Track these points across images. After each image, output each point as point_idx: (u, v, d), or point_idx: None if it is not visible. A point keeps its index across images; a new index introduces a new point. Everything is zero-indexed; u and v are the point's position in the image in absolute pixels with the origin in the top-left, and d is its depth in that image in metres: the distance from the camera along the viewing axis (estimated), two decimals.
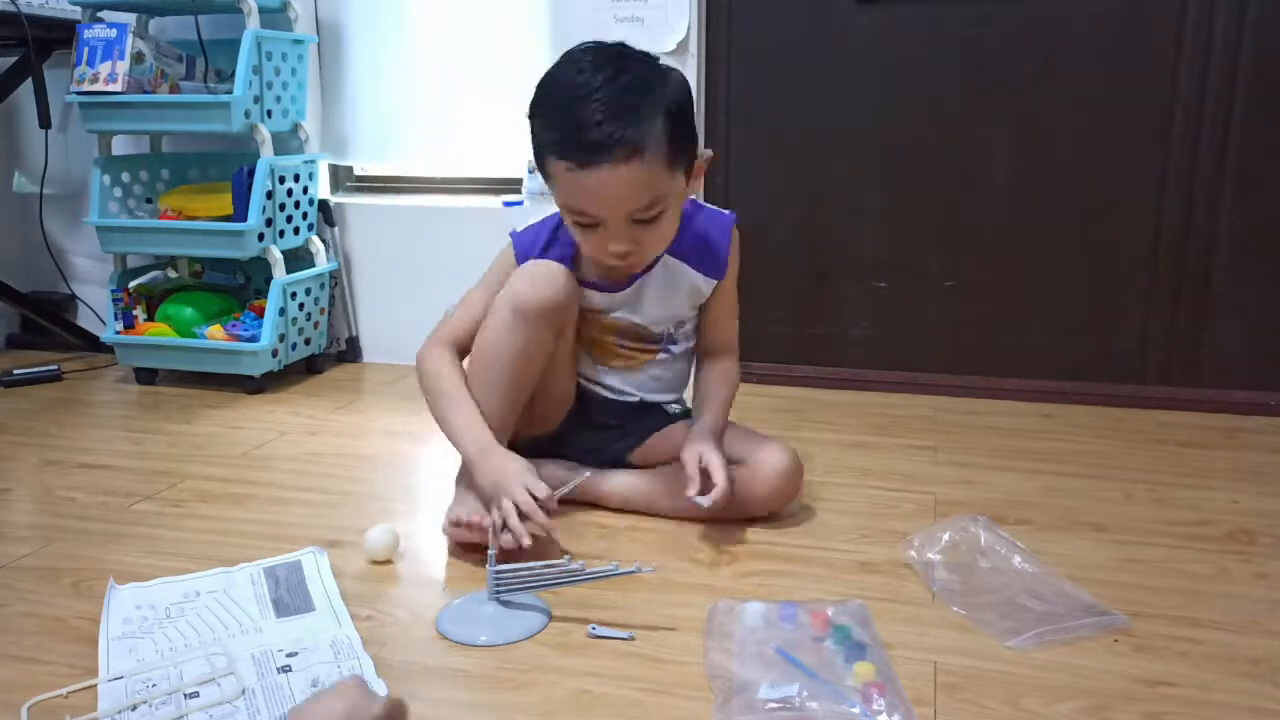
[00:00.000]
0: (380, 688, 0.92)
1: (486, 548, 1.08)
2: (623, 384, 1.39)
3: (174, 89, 2.02)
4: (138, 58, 1.94)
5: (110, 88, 1.92)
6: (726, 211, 1.37)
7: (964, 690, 0.93)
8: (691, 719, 0.90)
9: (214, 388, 2.03)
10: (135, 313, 2.10)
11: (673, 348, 1.38)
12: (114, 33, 1.93)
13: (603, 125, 1.10)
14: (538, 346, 1.27)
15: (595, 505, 1.36)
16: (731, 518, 1.31)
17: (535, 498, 1.14)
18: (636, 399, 1.40)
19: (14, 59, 2.15)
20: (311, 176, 2.14)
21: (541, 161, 1.19)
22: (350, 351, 2.27)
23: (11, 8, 1.97)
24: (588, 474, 1.24)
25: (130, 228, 2.04)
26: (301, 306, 2.08)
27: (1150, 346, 1.89)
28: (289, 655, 0.99)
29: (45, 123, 2.07)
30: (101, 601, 1.09)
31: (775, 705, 0.88)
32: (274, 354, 2.01)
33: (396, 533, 1.23)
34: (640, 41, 1.24)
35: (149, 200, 2.17)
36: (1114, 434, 1.72)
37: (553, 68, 1.19)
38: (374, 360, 2.27)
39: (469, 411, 1.26)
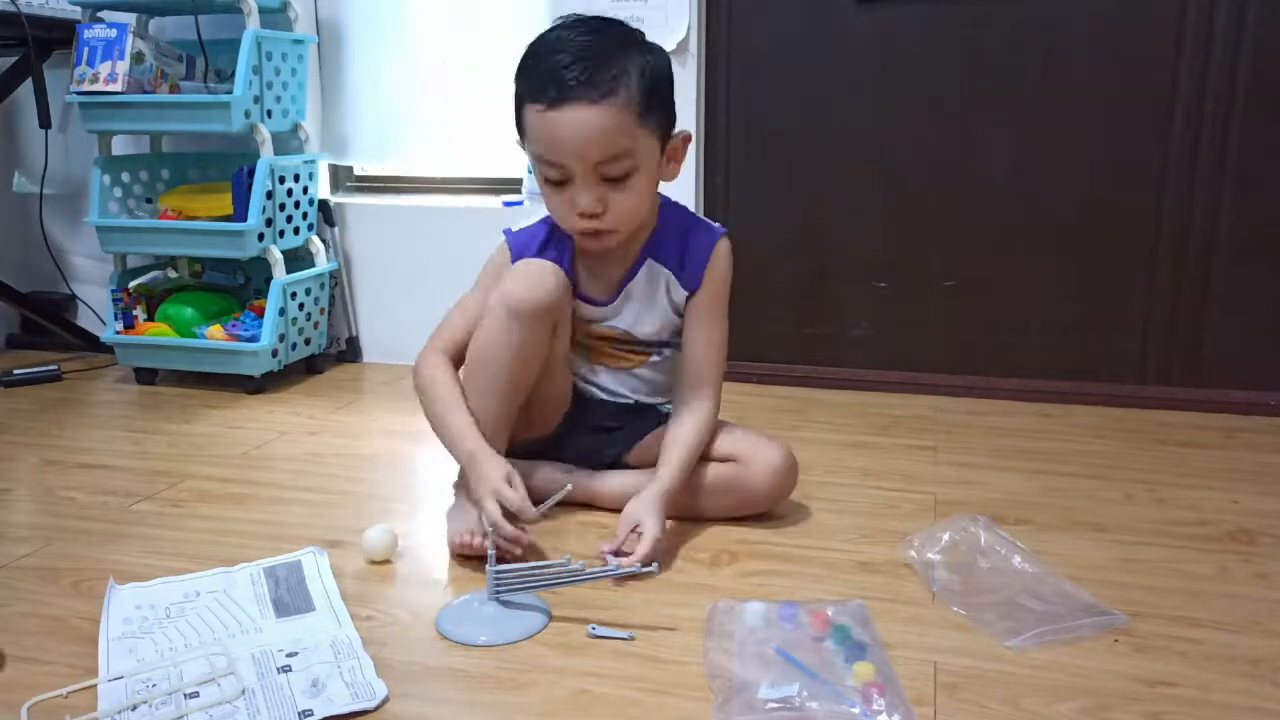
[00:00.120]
0: (380, 688, 0.92)
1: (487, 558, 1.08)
2: (617, 384, 1.39)
3: (174, 89, 2.02)
4: (138, 58, 1.94)
5: (110, 88, 1.92)
6: (718, 225, 1.35)
7: (964, 690, 0.93)
8: (691, 719, 0.90)
9: (214, 388, 2.03)
10: (135, 313, 2.10)
11: (665, 351, 1.38)
12: (114, 33, 1.93)
13: (574, 67, 1.13)
14: (533, 347, 1.26)
15: (594, 506, 1.36)
16: (728, 516, 1.32)
17: (508, 508, 1.13)
18: (631, 400, 1.39)
19: (14, 59, 2.15)
20: (311, 176, 2.14)
21: (520, 117, 1.20)
22: (350, 351, 2.27)
23: (11, 8, 1.97)
24: (570, 487, 1.19)
25: (130, 228, 2.04)
26: (301, 306, 2.08)
27: (1150, 346, 1.90)
28: (289, 655, 0.99)
29: (45, 123, 2.07)
30: (101, 601, 1.09)
31: (775, 705, 0.88)
32: (274, 354, 2.01)
33: (394, 533, 1.23)
34: None
35: (149, 200, 2.17)
36: (1114, 434, 1.72)
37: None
38: (374, 360, 2.27)
39: (461, 419, 1.24)
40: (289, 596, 1.11)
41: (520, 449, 1.38)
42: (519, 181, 2.16)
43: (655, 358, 1.38)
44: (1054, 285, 1.91)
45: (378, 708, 0.90)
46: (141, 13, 2.07)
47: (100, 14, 2.04)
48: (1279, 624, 1.06)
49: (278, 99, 2.03)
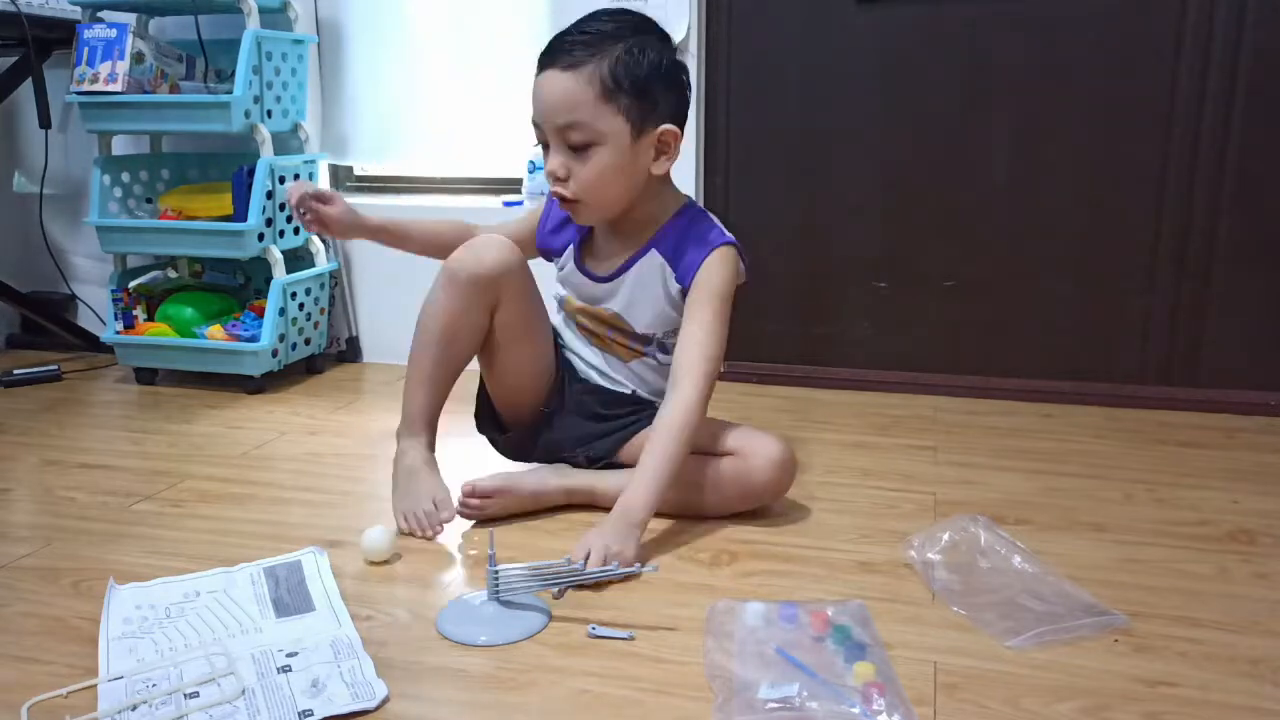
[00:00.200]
0: (380, 688, 0.92)
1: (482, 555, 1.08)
2: (613, 371, 1.41)
3: (174, 89, 2.02)
4: (138, 58, 1.94)
5: (110, 88, 1.93)
6: (729, 234, 1.34)
7: (964, 690, 0.93)
8: (691, 719, 0.90)
9: (214, 388, 2.03)
10: (135, 313, 2.10)
11: (660, 356, 1.39)
12: (114, 33, 1.93)
13: (565, 38, 1.25)
14: (464, 317, 1.32)
15: (594, 507, 1.36)
16: (727, 512, 1.32)
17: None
18: (629, 390, 1.41)
19: (14, 59, 2.15)
20: (311, 176, 2.14)
21: None
22: (350, 351, 2.27)
23: (11, 8, 1.97)
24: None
25: (130, 228, 2.04)
26: (301, 306, 2.08)
27: (1150, 346, 1.90)
28: (289, 655, 0.99)
29: (45, 123, 2.07)
30: (101, 601, 1.09)
31: (775, 705, 0.88)
32: (274, 354, 2.01)
33: (393, 533, 1.24)
34: None
35: (149, 200, 2.17)
36: (1114, 434, 1.72)
37: None
38: (374, 360, 2.27)
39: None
40: (289, 596, 1.11)
41: (514, 434, 1.44)
42: (519, 181, 2.16)
43: (648, 359, 1.40)
44: (1054, 285, 1.92)
45: (378, 708, 0.90)
46: (141, 13, 2.07)
47: (100, 14, 2.04)
48: (1279, 624, 1.06)
49: (278, 99, 2.03)
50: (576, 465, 1.40)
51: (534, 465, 1.42)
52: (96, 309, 2.37)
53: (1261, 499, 1.41)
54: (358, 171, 2.37)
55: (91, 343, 2.30)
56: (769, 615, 1.03)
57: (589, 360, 1.43)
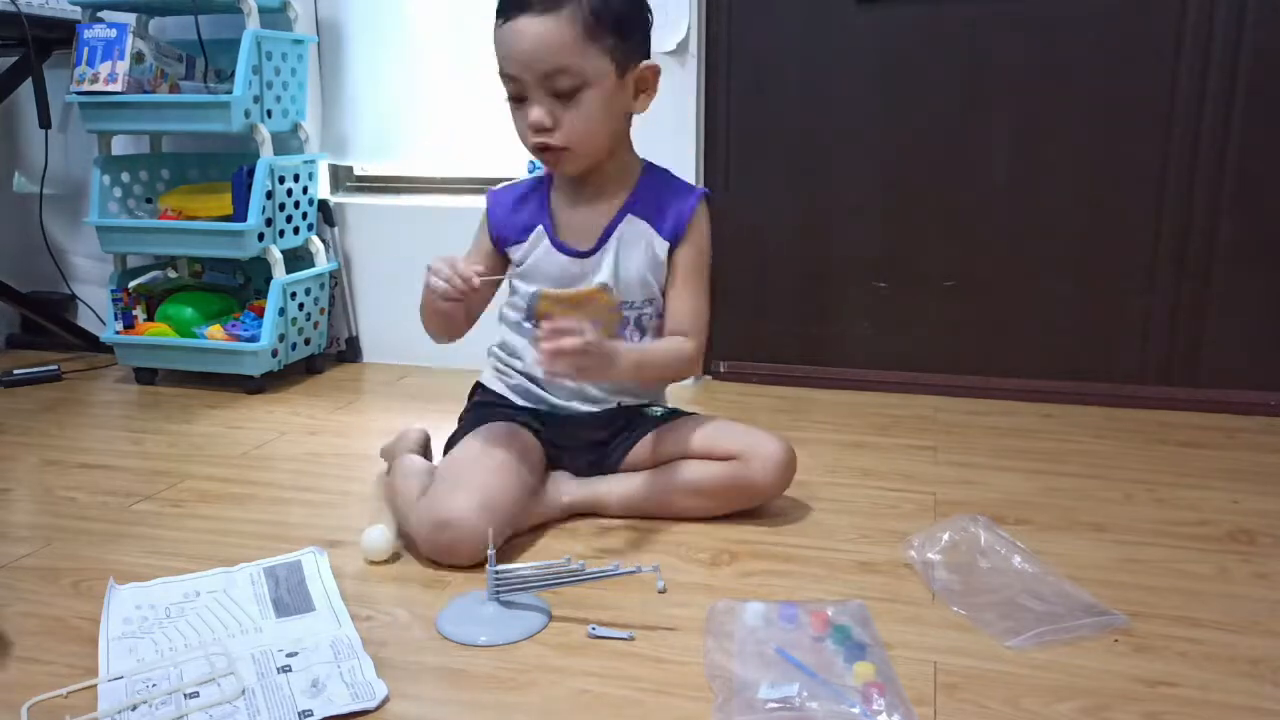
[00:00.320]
0: (380, 688, 0.92)
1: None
2: (593, 387, 1.36)
3: (174, 89, 2.02)
4: (138, 58, 1.94)
5: (110, 88, 1.93)
6: (700, 187, 1.38)
7: (964, 690, 0.93)
8: (691, 719, 0.90)
9: (214, 388, 2.03)
10: (135, 313, 2.10)
11: (636, 337, 1.35)
12: (114, 33, 1.93)
13: None
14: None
15: (598, 515, 1.35)
16: (728, 511, 1.32)
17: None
18: (614, 404, 1.38)
19: (14, 59, 2.15)
20: (311, 176, 2.14)
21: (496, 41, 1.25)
22: (350, 351, 2.27)
23: (11, 8, 1.97)
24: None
25: (130, 228, 2.04)
26: (301, 306, 2.08)
27: (1150, 346, 1.90)
28: (289, 655, 0.99)
29: (45, 123, 2.07)
30: (101, 601, 1.09)
31: (775, 705, 0.88)
32: (274, 354, 2.01)
33: (392, 533, 1.23)
34: None
35: (149, 200, 2.17)
36: (1114, 434, 1.72)
37: None
38: (374, 360, 2.27)
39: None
40: (289, 596, 1.11)
41: None
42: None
43: (624, 340, 1.34)
44: (1054, 285, 1.92)
45: (378, 708, 0.90)
46: (141, 13, 2.07)
47: (100, 14, 2.04)
48: (1279, 624, 1.06)
49: (278, 99, 2.03)
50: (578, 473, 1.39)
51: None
52: (96, 309, 2.37)
53: (1261, 499, 1.41)
54: (358, 171, 2.37)
55: (91, 343, 2.30)
56: (769, 615, 1.03)
57: (567, 389, 1.37)
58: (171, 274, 2.25)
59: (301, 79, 2.10)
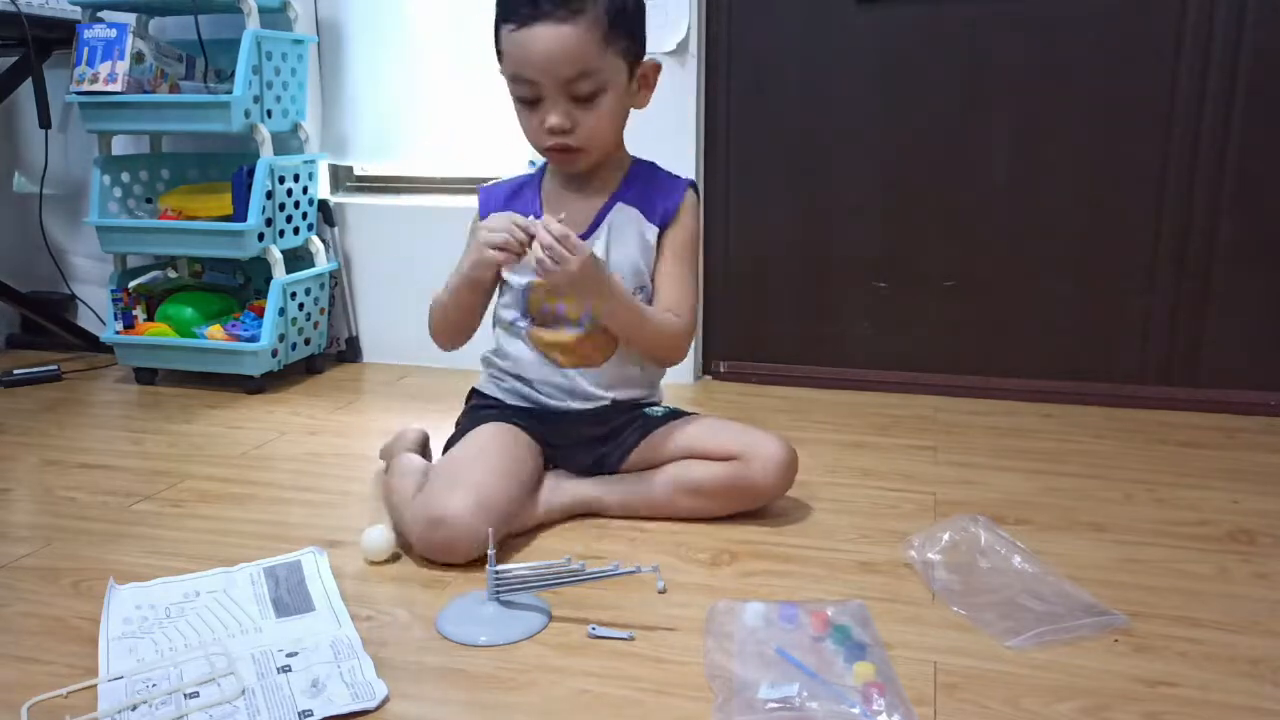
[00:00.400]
0: (380, 688, 0.92)
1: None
2: (590, 384, 1.35)
3: (174, 89, 2.02)
4: (138, 58, 1.94)
5: (110, 88, 1.93)
6: (685, 177, 1.40)
7: (964, 690, 0.93)
8: (691, 719, 0.90)
9: (214, 388, 2.03)
10: (135, 313, 2.10)
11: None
12: (114, 33, 1.93)
13: None
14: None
15: (598, 515, 1.35)
16: (728, 512, 1.32)
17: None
18: (609, 400, 1.37)
19: (14, 59, 2.15)
20: (311, 176, 2.14)
21: (497, 41, 1.26)
22: (350, 351, 2.27)
23: (11, 8, 1.97)
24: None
25: (130, 228, 2.04)
26: (301, 306, 2.08)
27: (1150, 346, 1.90)
28: (289, 655, 0.99)
29: (45, 123, 2.07)
30: (101, 601, 1.09)
31: (775, 705, 0.88)
32: (274, 354, 2.01)
33: (392, 533, 1.23)
34: None
35: (149, 200, 2.17)
36: (1114, 434, 1.72)
37: None
38: (374, 360, 2.27)
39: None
40: (289, 596, 1.11)
41: None
42: None
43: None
44: (1054, 285, 1.92)
45: (378, 708, 0.90)
46: (141, 13, 2.07)
47: (100, 14, 2.04)
48: (1279, 624, 1.06)
49: (278, 99, 2.03)
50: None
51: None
52: (96, 309, 2.37)
53: (1261, 499, 1.41)
54: (358, 171, 2.37)
55: (91, 343, 2.30)
56: (769, 615, 1.03)
57: (560, 387, 1.36)
58: (171, 274, 2.25)
59: (301, 79, 2.10)
